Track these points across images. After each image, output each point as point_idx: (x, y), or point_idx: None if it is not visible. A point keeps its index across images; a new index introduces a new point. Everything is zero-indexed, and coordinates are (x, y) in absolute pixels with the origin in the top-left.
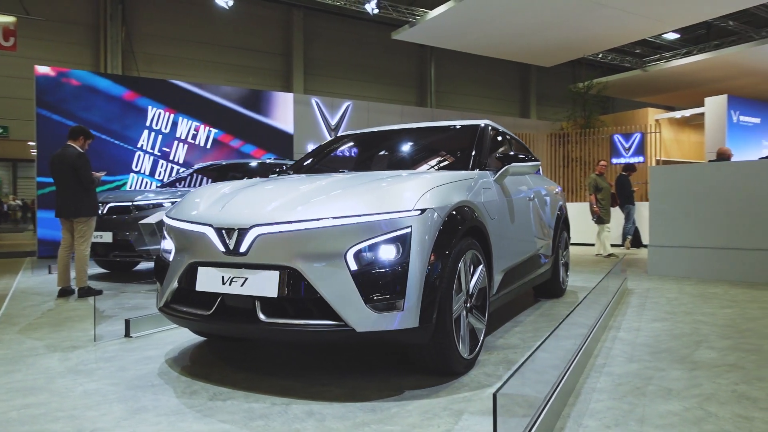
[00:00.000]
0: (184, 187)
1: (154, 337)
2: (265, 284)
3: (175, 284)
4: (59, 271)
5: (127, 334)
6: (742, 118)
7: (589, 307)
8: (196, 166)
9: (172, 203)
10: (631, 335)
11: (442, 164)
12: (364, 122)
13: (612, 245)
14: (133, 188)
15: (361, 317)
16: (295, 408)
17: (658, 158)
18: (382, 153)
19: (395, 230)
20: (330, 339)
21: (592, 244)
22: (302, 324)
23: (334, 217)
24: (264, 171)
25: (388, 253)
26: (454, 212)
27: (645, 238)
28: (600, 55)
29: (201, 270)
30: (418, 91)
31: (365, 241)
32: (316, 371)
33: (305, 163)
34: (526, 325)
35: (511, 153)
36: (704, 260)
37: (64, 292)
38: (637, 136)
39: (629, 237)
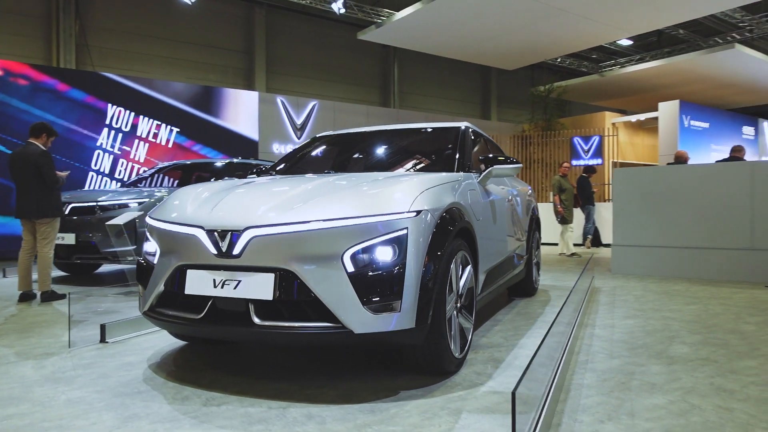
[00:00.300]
0: (147, 186)
1: (131, 342)
2: (259, 287)
3: (161, 288)
4: (20, 275)
5: (103, 340)
6: (692, 122)
7: (566, 305)
8: (159, 165)
9: (139, 203)
10: (607, 332)
11: (427, 166)
12: (330, 122)
13: (574, 244)
14: (92, 188)
15: (359, 319)
16: (293, 411)
17: (614, 160)
18: (365, 154)
19: (392, 232)
20: (328, 341)
21: (556, 244)
22: (298, 326)
23: (330, 219)
24: (231, 171)
25: (385, 255)
26: (445, 214)
27: (604, 238)
28: (559, 60)
29: (190, 273)
30: (382, 91)
31: (362, 242)
32: (307, 373)
33: (287, 164)
34: (506, 323)
35: (490, 155)
36: (665, 259)
37: (26, 297)
38: (595, 139)
39: (590, 236)
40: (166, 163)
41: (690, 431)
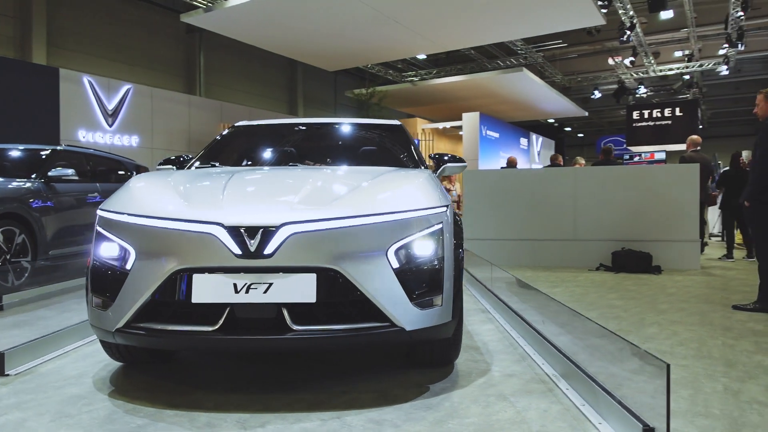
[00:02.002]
0: None
1: (42, 371)
2: (298, 289)
3: (146, 298)
4: None
5: (2, 373)
6: (488, 132)
7: (485, 294)
8: None
9: None
10: (525, 315)
11: (392, 161)
12: (147, 109)
13: None
14: None
15: (409, 316)
16: (353, 420)
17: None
18: (319, 148)
19: (431, 226)
20: (377, 341)
21: None
22: (345, 329)
23: (374, 214)
24: (53, 161)
25: (426, 250)
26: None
27: None
28: (369, 66)
29: (199, 278)
30: (186, 80)
31: (405, 238)
32: (308, 381)
33: (225, 155)
34: None
35: (445, 154)
36: (508, 250)
37: None
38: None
39: None
40: None
41: (693, 380)
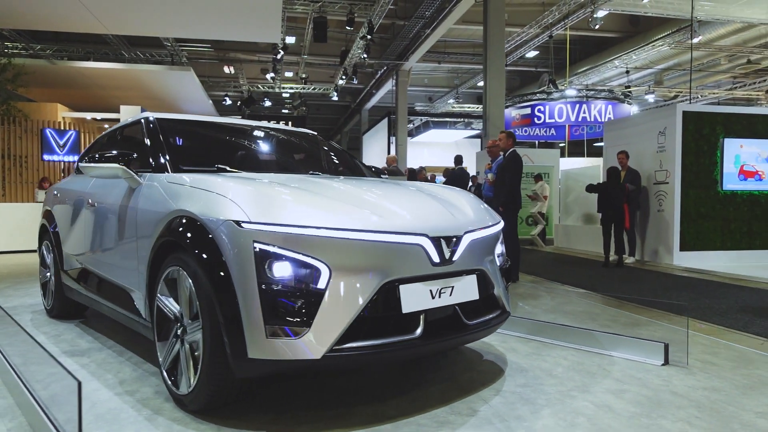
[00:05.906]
0: None
1: None
2: (467, 289)
3: (355, 315)
4: None
5: None
6: None
7: None
8: None
9: None
10: None
11: (358, 169)
12: None
13: None
14: None
15: (509, 302)
16: (484, 412)
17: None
18: (275, 153)
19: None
20: (500, 326)
21: None
22: (491, 318)
23: (495, 224)
24: None
25: (501, 249)
26: None
27: None
28: None
29: (405, 288)
30: None
31: (498, 242)
32: (361, 390)
33: (196, 155)
34: None
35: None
36: None
37: None
38: (72, 134)
39: None
40: None
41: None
